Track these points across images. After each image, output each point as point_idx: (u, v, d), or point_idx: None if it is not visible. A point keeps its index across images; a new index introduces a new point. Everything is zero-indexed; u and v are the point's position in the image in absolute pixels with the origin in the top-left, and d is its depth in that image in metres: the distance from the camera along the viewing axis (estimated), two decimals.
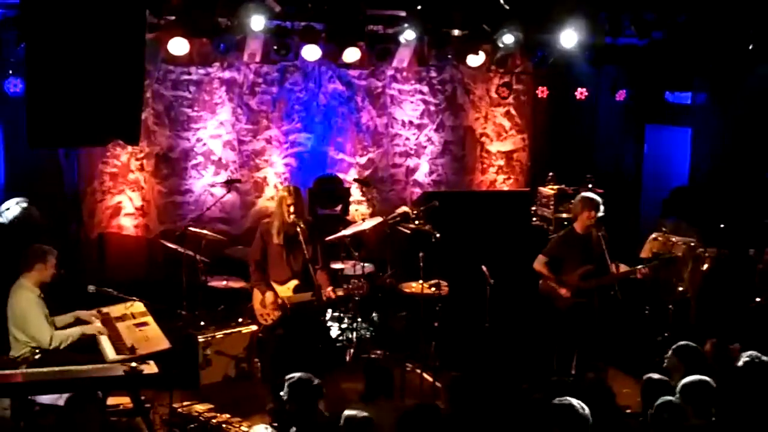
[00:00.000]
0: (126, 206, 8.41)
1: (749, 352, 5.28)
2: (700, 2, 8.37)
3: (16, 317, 5.80)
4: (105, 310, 6.18)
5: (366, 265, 7.71)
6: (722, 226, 8.19)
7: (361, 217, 8.89)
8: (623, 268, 6.74)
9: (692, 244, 7.92)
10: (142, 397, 5.72)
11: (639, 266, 6.83)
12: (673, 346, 5.61)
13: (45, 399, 5.43)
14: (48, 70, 5.57)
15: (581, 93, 9.51)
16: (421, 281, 6.78)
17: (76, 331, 5.86)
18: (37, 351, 5.69)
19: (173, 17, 7.42)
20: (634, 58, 9.20)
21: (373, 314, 8.04)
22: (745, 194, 9.49)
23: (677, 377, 5.39)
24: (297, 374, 4.59)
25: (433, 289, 6.71)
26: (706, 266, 8.05)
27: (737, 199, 9.37)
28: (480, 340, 6.73)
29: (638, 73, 9.39)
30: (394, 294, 7.61)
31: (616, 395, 5.05)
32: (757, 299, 8.08)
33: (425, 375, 6.80)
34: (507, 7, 8.04)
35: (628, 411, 5.80)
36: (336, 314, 7.82)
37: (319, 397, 4.56)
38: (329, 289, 6.03)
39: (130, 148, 8.21)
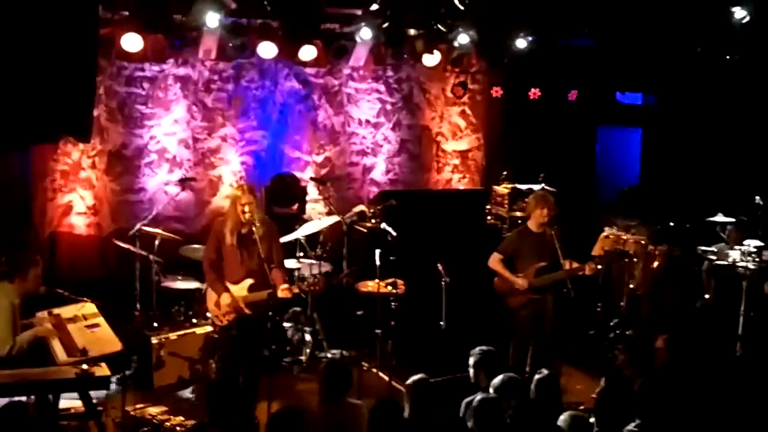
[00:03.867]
0: (77, 205, 8.25)
1: None
2: (650, 4, 8.54)
3: None
4: (56, 311, 6.03)
5: (322, 264, 7.70)
6: (671, 224, 8.39)
7: (318, 216, 8.87)
8: (576, 265, 6.85)
9: (643, 242, 8.09)
10: (94, 400, 5.64)
11: (587, 262, 6.94)
12: (623, 344, 5.74)
13: None
14: None
15: (534, 93, 9.63)
16: (377, 280, 6.79)
17: (28, 335, 5.74)
18: None
19: (126, 12, 7.31)
20: (586, 59, 9.35)
21: (329, 314, 8.02)
22: (694, 193, 9.75)
23: (628, 373, 5.52)
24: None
25: (389, 287, 6.73)
26: (656, 264, 8.25)
27: (687, 198, 9.62)
28: (436, 338, 6.77)
29: (589, 73, 9.54)
30: (351, 293, 7.61)
31: (564, 392, 5.14)
32: (706, 296, 8.32)
33: (382, 374, 6.82)
34: (462, 8, 8.10)
35: (582, 408, 5.92)
36: (292, 314, 7.78)
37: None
38: (285, 287, 5.99)
39: (81, 146, 8.04)
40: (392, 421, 4.30)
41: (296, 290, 6.12)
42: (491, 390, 4.78)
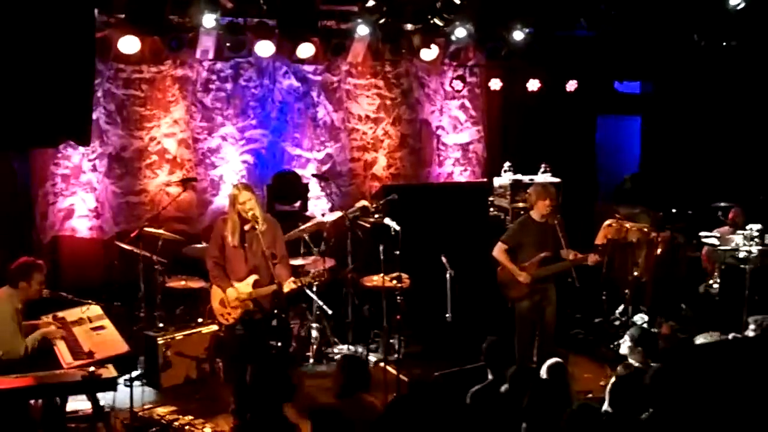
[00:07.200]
0: (79, 208, 8.25)
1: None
2: None
3: None
4: (61, 314, 6.06)
5: (326, 259, 7.70)
6: (674, 211, 8.39)
7: (321, 213, 8.88)
8: (579, 256, 6.84)
9: (645, 229, 8.08)
10: (102, 402, 5.65)
11: (590, 253, 6.92)
12: (628, 331, 5.75)
13: None
14: None
15: (533, 84, 9.62)
16: (382, 274, 6.79)
17: (36, 335, 5.76)
18: None
19: (123, 15, 7.30)
20: (584, 49, 9.34)
21: (335, 309, 8.02)
22: (694, 179, 9.75)
23: (634, 360, 5.53)
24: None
25: (394, 281, 6.73)
26: (659, 251, 8.24)
27: (687, 184, 9.63)
28: (442, 331, 6.77)
29: (588, 63, 9.53)
30: (356, 288, 7.62)
31: (572, 381, 5.13)
32: (710, 281, 8.31)
33: (389, 368, 6.82)
34: (458, 1, 8.08)
35: (590, 396, 5.93)
36: (298, 310, 7.79)
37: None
38: (290, 279, 5.99)
39: (82, 149, 8.05)
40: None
41: (300, 282, 6.10)
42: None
